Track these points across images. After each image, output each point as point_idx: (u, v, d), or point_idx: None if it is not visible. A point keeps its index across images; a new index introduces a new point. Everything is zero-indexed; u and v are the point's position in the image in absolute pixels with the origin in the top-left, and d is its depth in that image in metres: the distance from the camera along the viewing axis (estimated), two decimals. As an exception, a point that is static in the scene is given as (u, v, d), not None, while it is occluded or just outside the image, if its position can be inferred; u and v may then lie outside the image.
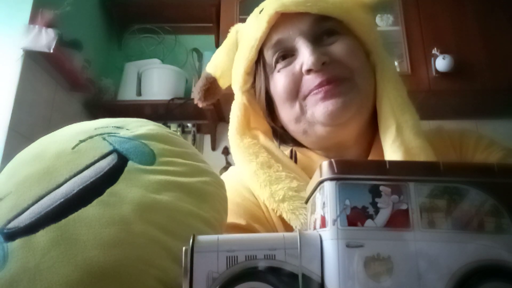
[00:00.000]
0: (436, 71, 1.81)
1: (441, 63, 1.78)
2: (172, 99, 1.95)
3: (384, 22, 1.93)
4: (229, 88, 0.64)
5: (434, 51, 1.82)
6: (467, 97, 1.88)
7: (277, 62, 0.56)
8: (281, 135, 0.63)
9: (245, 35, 0.59)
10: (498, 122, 2.04)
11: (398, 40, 1.88)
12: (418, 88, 1.78)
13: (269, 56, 0.57)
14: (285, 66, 0.55)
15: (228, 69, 0.62)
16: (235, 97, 0.63)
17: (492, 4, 1.91)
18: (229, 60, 0.62)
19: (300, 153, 0.63)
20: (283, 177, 0.53)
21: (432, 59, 1.82)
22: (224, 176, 0.59)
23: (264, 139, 0.60)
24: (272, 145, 0.60)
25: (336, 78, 0.53)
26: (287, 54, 0.56)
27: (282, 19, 0.55)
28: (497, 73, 1.81)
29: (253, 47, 0.57)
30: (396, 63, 1.86)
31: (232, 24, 0.65)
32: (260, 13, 0.57)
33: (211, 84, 0.62)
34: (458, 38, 1.87)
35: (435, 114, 1.89)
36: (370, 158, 0.58)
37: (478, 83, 1.82)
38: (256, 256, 0.26)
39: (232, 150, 0.59)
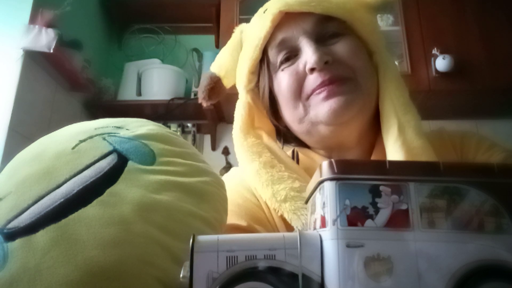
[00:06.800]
0: (436, 71, 1.80)
1: (441, 63, 1.78)
2: (172, 99, 1.95)
3: (384, 22, 1.92)
4: (230, 88, 0.65)
5: (434, 51, 1.82)
6: (467, 97, 1.88)
7: (281, 63, 0.57)
8: (284, 134, 0.63)
9: (250, 35, 0.60)
10: (498, 122, 2.04)
11: (398, 40, 1.87)
12: (418, 88, 1.78)
13: (273, 55, 0.57)
14: (288, 66, 0.56)
15: (233, 68, 0.62)
16: (240, 96, 0.63)
17: (492, 4, 1.91)
18: (233, 59, 0.62)
19: (302, 153, 0.63)
20: (286, 177, 0.53)
21: (432, 59, 1.82)
22: (226, 177, 0.59)
23: (268, 139, 0.60)
24: (275, 145, 0.60)
25: (339, 78, 0.53)
26: (291, 54, 0.56)
27: (286, 18, 0.56)
28: (497, 73, 1.81)
29: (257, 46, 0.57)
30: (396, 63, 1.85)
31: (232, 24, 0.66)
32: (264, 12, 0.57)
33: (216, 84, 0.62)
34: (458, 38, 1.86)
35: (435, 114, 1.89)
36: (372, 158, 0.58)
37: (478, 83, 1.82)
38: (256, 256, 0.26)
39: (235, 148, 0.59)
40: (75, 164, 0.36)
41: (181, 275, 0.26)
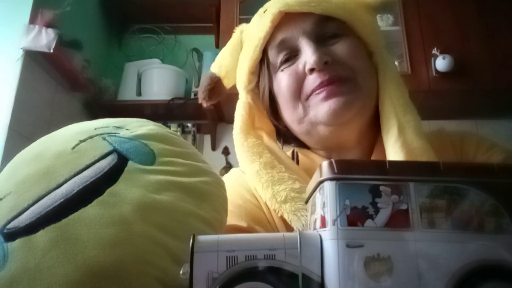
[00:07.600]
0: (436, 71, 1.80)
1: (441, 63, 1.78)
2: (172, 99, 1.95)
3: (384, 22, 1.92)
4: (230, 88, 0.65)
5: (434, 51, 1.82)
6: (467, 97, 1.88)
7: (281, 63, 0.57)
8: (284, 134, 0.63)
9: (250, 35, 0.60)
10: (498, 122, 2.04)
11: (398, 40, 1.87)
12: (418, 88, 1.78)
13: (273, 55, 0.57)
14: (288, 66, 0.56)
15: (233, 69, 0.62)
16: (240, 96, 0.63)
17: (492, 4, 1.91)
18: (233, 60, 0.62)
19: (302, 154, 0.63)
20: (286, 178, 0.53)
21: (432, 59, 1.82)
22: (226, 178, 0.59)
23: (268, 140, 0.60)
24: (276, 146, 0.60)
25: (339, 78, 0.53)
26: (291, 55, 0.56)
27: (286, 19, 0.56)
28: (497, 73, 1.81)
29: (257, 46, 0.57)
30: (396, 63, 1.85)
31: (232, 24, 0.66)
32: (264, 13, 0.57)
33: (216, 84, 0.62)
34: (458, 38, 1.86)
35: (435, 114, 1.89)
36: (372, 158, 0.58)
37: (478, 83, 1.82)
38: (256, 256, 0.26)
39: (236, 149, 0.59)
40: (75, 164, 0.36)
41: (180, 272, 0.26)
